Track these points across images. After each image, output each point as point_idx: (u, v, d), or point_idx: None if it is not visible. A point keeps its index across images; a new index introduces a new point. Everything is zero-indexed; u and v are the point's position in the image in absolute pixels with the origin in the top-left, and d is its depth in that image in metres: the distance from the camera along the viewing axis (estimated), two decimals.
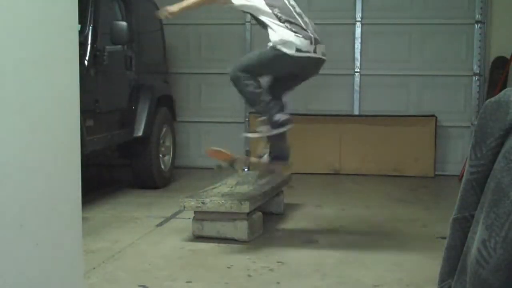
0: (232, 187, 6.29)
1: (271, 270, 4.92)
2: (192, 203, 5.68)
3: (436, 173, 9.17)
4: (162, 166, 8.34)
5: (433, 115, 9.18)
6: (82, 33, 6.72)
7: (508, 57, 9.04)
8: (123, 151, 8.19)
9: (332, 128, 9.41)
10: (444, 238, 5.45)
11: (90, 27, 6.82)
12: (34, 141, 2.39)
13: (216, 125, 9.93)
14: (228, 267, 4.97)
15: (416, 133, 9.23)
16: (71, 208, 2.68)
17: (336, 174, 9.36)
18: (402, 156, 9.21)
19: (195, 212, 5.77)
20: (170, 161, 8.62)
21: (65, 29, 2.59)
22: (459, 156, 9.19)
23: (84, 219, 6.41)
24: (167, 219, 6.54)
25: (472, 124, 9.38)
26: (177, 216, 6.60)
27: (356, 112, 9.61)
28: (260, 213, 5.95)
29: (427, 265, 4.93)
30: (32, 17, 2.39)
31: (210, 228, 5.72)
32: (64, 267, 2.62)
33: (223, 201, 5.63)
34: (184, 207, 5.77)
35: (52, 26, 2.52)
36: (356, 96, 9.62)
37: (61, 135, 2.57)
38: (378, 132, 9.34)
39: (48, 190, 2.49)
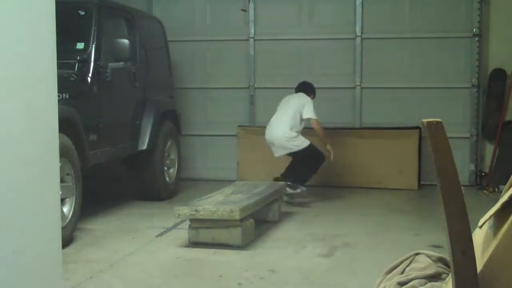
0: (227, 196, 6.54)
1: (262, 278, 5.09)
2: (186, 211, 5.97)
3: (431, 183, 9.25)
4: (167, 178, 8.58)
5: (417, 127, 9.26)
6: (85, 51, 7.00)
7: (505, 68, 9.21)
8: (129, 164, 8.42)
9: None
10: (435, 246, 5.61)
11: (93, 45, 7.06)
12: (14, 157, 2.60)
13: (221, 138, 10.16)
14: (220, 276, 5.15)
15: (401, 146, 9.39)
16: (50, 221, 2.87)
17: (323, 186, 9.46)
18: (388, 169, 9.37)
19: (190, 220, 6.06)
20: (175, 173, 8.86)
21: (43, 48, 2.80)
22: (458, 166, 9.27)
23: (88, 230, 6.74)
24: (167, 230, 6.75)
25: (471, 135, 9.53)
26: (178, 227, 6.79)
27: (358, 125, 9.79)
28: (252, 220, 6.24)
29: None
30: (10, 37, 2.59)
31: (205, 235, 5.99)
32: (42, 275, 2.81)
33: (215, 209, 5.89)
34: (179, 215, 6.04)
35: (30, 45, 2.72)
36: (357, 109, 9.80)
37: (39, 152, 2.76)
38: (364, 144, 9.53)
39: (26, 202, 2.68)
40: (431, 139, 1.91)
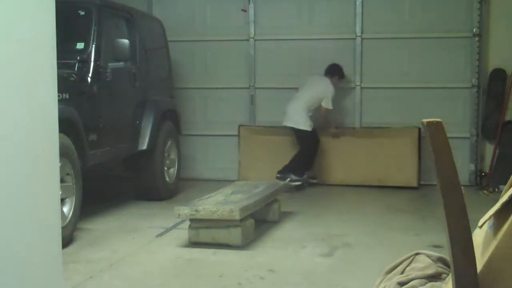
0: (227, 196, 6.54)
1: (262, 278, 5.09)
2: (186, 211, 5.98)
3: (431, 183, 9.27)
4: (167, 178, 8.58)
5: (416, 126, 9.27)
6: (85, 51, 7.00)
7: (505, 68, 9.22)
8: (129, 164, 8.42)
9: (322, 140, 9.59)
10: (436, 246, 5.60)
11: (93, 45, 7.06)
12: (14, 157, 2.60)
13: (221, 138, 10.16)
14: (220, 276, 5.15)
15: (401, 144, 9.40)
16: (50, 221, 2.87)
17: (323, 184, 9.52)
18: (388, 166, 9.39)
19: (190, 220, 6.06)
20: (175, 173, 8.86)
21: (43, 48, 2.80)
22: (458, 166, 9.26)
23: (87, 230, 6.74)
24: (167, 230, 6.74)
25: (471, 135, 9.53)
26: (177, 227, 6.79)
27: (358, 125, 9.81)
28: (252, 220, 6.24)
29: None
30: (10, 37, 2.59)
31: (205, 235, 6.00)
32: (42, 275, 2.81)
33: (215, 209, 5.89)
34: (179, 215, 6.05)
35: (30, 45, 2.72)
36: (358, 109, 9.81)
37: (39, 152, 2.77)
38: (364, 144, 9.55)
39: (26, 203, 2.69)
40: (431, 139, 1.92)
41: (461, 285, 1.96)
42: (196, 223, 6.01)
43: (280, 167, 9.03)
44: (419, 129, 9.19)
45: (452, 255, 1.97)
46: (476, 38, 9.38)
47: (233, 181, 8.78)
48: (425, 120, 1.95)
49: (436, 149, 1.90)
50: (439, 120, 1.94)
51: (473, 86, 9.48)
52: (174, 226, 6.83)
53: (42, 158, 2.80)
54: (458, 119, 9.53)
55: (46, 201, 2.87)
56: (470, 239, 1.96)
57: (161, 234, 6.57)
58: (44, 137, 2.81)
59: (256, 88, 10.06)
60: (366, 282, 4.99)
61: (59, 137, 3.01)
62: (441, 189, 1.91)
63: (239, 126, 9.95)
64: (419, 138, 9.25)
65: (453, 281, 2.00)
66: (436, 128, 1.92)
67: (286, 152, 9.34)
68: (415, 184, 9.30)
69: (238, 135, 9.92)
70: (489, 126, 9.38)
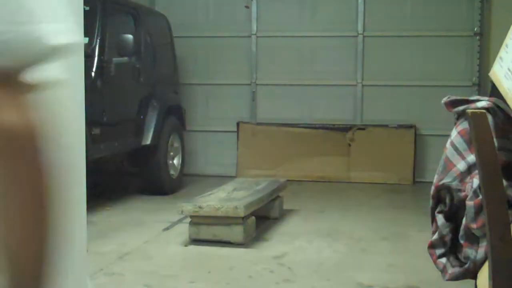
0: (229, 193, 6.52)
1: (272, 271, 5.14)
2: (189, 207, 5.93)
3: (426, 180, 9.31)
4: (171, 173, 8.60)
5: (412, 126, 9.38)
6: (89, 46, 7.00)
7: None
8: (133, 159, 8.45)
9: (318, 138, 9.69)
10: None
11: (98, 39, 7.08)
12: None
13: (223, 134, 10.19)
14: (230, 269, 5.20)
15: (398, 143, 9.48)
16: (75, 209, 2.89)
17: (323, 182, 9.59)
18: (386, 164, 9.46)
19: (191, 217, 6.01)
20: (179, 168, 8.88)
21: None
22: None
23: (93, 223, 6.75)
24: (173, 224, 6.77)
25: None
26: (183, 221, 6.79)
27: (358, 122, 9.86)
28: (253, 217, 6.17)
29: (422, 267, 5.11)
30: None
31: (206, 232, 5.95)
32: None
33: (219, 206, 5.86)
34: (182, 212, 6.01)
35: None
36: (359, 106, 9.86)
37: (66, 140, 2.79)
38: (363, 141, 9.62)
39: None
40: (474, 130, 1.96)
41: (498, 270, 2.01)
42: (198, 219, 5.96)
43: (280, 164, 9.04)
44: (415, 128, 9.34)
45: (490, 241, 2.02)
46: (477, 37, 9.45)
47: (234, 177, 8.81)
48: (469, 111, 2.00)
49: (478, 139, 1.95)
50: (483, 111, 1.99)
51: (473, 84, 9.54)
52: (180, 220, 6.84)
53: (68, 147, 2.83)
54: None
55: (72, 194, 2.89)
56: (508, 225, 2.01)
57: (167, 228, 6.60)
58: (70, 127, 2.83)
59: (257, 84, 10.09)
60: (375, 275, 5.06)
61: None
62: (482, 178, 1.96)
63: (238, 122, 9.95)
64: (415, 136, 9.35)
65: (490, 266, 2.05)
66: (480, 119, 1.97)
67: (287, 150, 9.38)
68: (410, 182, 9.38)
69: (237, 132, 9.93)
70: None
